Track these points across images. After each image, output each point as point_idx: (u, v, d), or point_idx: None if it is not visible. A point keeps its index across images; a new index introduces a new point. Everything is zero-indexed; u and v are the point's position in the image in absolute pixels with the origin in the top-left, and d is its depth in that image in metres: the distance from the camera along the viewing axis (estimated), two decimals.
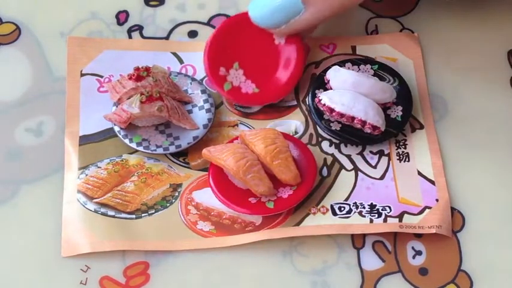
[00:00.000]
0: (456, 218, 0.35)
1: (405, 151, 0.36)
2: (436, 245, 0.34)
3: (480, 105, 0.38)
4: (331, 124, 0.36)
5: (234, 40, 0.37)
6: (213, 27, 0.40)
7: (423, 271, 0.33)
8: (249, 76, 0.37)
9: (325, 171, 0.35)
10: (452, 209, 0.35)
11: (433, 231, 0.33)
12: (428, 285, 0.33)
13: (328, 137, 0.36)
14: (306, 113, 0.37)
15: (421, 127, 0.37)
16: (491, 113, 0.38)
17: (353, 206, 0.34)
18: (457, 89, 0.39)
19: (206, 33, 0.40)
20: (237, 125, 0.37)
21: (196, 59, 0.38)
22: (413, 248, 0.34)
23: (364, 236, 0.34)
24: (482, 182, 0.36)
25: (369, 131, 0.35)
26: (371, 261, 0.33)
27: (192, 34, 0.40)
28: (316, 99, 0.36)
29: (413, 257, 0.34)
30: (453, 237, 0.34)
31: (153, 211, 0.34)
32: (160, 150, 0.35)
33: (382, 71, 0.38)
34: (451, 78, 0.39)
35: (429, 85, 0.39)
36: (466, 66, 0.40)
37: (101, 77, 0.38)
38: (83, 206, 0.34)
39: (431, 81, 0.39)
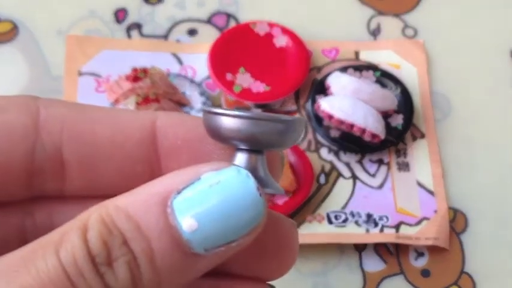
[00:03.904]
0: (459, 219, 0.37)
1: (405, 160, 0.39)
2: (439, 246, 0.36)
3: (483, 104, 0.41)
4: (331, 131, 0.39)
5: (234, 48, 0.41)
6: (213, 25, 0.43)
7: (425, 273, 0.36)
8: (257, 77, 0.40)
9: (322, 179, 0.38)
10: (455, 211, 0.38)
11: (430, 243, 0.36)
12: (431, 287, 0.35)
13: (327, 143, 0.39)
14: (306, 118, 0.40)
15: (422, 136, 0.40)
16: (495, 113, 0.41)
17: (349, 214, 0.37)
18: (460, 87, 0.42)
19: (206, 32, 0.43)
20: None
21: (196, 61, 0.41)
22: (415, 249, 0.36)
23: None
24: (485, 183, 0.38)
25: (368, 138, 0.38)
26: (373, 263, 0.36)
27: (192, 32, 0.43)
28: (316, 105, 0.39)
29: (416, 259, 0.36)
30: (456, 239, 0.37)
31: None
32: None
33: (385, 78, 0.40)
34: (454, 76, 0.42)
35: (432, 83, 0.42)
36: (469, 64, 0.42)
37: (99, 76, 0.40)
38: None
39: (434, 80, 0.42)
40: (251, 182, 0.16)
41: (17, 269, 0.15)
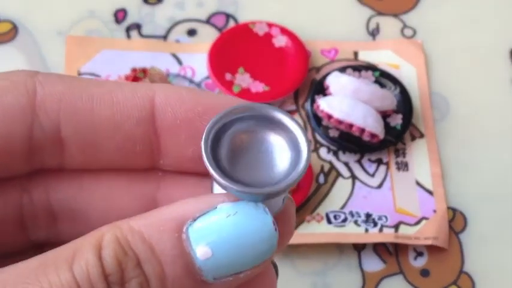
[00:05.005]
0: (458, 219, 0.38)
1: (404, 160, 0.39)
2: (438, 246, 0.36)
3: (482, 104, 0.41)
4: (330, 131, 0.39)
5: (234, 48, 0.41)
6: (213, 25, 0.44)
7: (425, 273, 0.36)
8: (256, 78, 0.40)
9: (321, 178, 0.39)
10: (454, 210, 0.38)
11: (429, 242, 0.36)
12: (430, 287, 0.36)
13: (326, 143, 0.39)
14: (305, 118, 0.40)
15: (421, 136, 0.40)
16: (494, 113, 0.41)
17: (349, 214, 0.37)
18: (459, 87, 0.42)
19: (205, 32, 0.43)
20: None
21: (195, 61, 0.41)
22: (414, 249, 0.37)
23: None
24: (484, 183, 0.39)
25: (367, 138, 0.38)
26: (372, 262, 0.36)
27: (191, 33, 0.43)
28: (315, 105, 0.39)
29: (415, 259, 0.36)
30: (455, 239, 0.37)
31: None
32: None
33: (384, 78, 0.41)
34: (453, 76, 0.42)
35: (431, 83, 0.42)
36: (468, 64, 0.43)
37: (99, 77, 0.40)
38: None
39: (433, 80, 0.42)
40: (268, 216, 0.16)
41: (28, 281, 0.15)
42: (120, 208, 0.19)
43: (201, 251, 0.15)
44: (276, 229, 0.16)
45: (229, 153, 0.17)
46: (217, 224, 0.16)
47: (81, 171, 0.19)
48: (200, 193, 0.17)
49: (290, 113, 0.41)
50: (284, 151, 0.17)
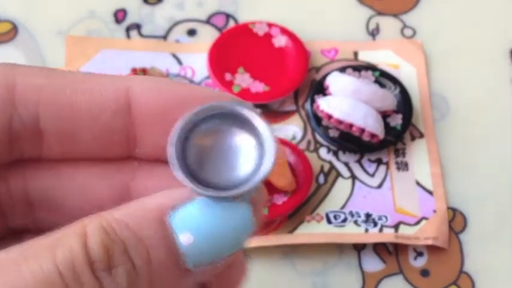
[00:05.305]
0: (458, 219, 0.38)
1: (404, 160, 0.39)
2: (438, 246, 0.36)
3: (482, 104, 0.41)
4: (329, 131, 0.39)
5: (234, 48, 0.41)
6: (213, 25, 0.44)
7: (425, 273, 0.36)
8: (256, 77, 0.41)
9: (321, 179, 0.39)
10: (454, 210, 0.38)
11: (430, 242, 0.36)
12: (430, 287, 0.36)
13: (326, 143, 0.39)
14: (305, 118, 0.40)
15: (421, 136, 0.40)
16: (494, 113, 0.41)
17: (348, 214, 0.37)
18: (458, 87, 0.42)
19: (205, 32, 0.43)
20: None
21: (195, 61, 0.41)
22: (414, 249, 0.37)
23: None
24: (484, 183, 0.39)
25: (367, 138, 0.38)
26: (372, 262, 0.36)
27: (191, 33, 0.43)
28: (315, 105, 0.39)
29: (415, 259, 0.36)
30: (455, 239, 0.37)
31: None
32: None
33: (384, 78, 0.41)
34: (453, 76, 0.42)
35: (430, 83, 0.42)
36: (468, 64, 0.43)
37: None
38: None
39: (433, 80, 0.42)
40: (246, 206, 0.16)
41: (7, 271, 0.15)
42: (95, 197, 0.19)
43: (184, 237, 0.16)
44: (253, 216, 0.17)
45: (197, 153, 0.17)
46: (197, 214, 0.16)
47: (59, 161, 0.19)
48: (174, 183, 0.18)
49: (290, 113, 0.41)
50: (251, 149, 0.17)
